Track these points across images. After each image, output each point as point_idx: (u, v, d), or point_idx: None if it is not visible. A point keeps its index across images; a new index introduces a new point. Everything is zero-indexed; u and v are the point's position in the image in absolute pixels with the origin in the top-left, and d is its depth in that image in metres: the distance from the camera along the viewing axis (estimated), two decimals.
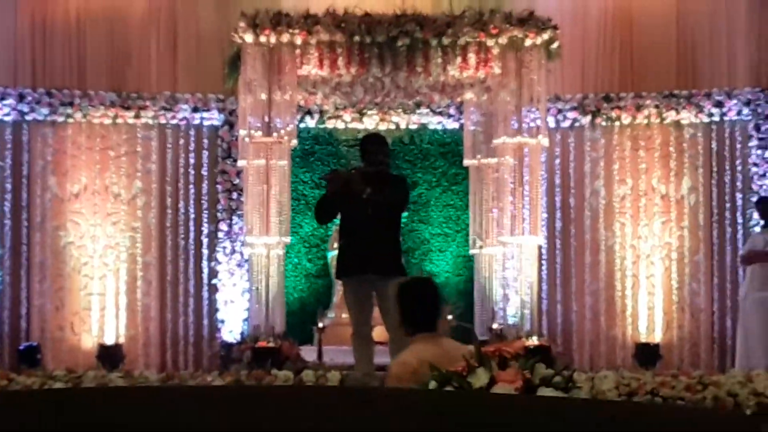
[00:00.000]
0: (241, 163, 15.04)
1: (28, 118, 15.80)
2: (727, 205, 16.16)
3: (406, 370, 7.14)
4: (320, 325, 14.42)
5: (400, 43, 14.32)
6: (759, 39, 16.06)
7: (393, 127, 16.22)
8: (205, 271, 16.22)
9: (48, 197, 15.90)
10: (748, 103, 16.00)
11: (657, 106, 16.32)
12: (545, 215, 15.86)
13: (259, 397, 1.76)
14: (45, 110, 15.74)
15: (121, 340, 15.95)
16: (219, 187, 16.12)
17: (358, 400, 1.73)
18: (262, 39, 14.29)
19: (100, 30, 16.02)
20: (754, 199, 15.30)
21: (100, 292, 15.95)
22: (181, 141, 16.25)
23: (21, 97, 15.74)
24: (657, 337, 16.09)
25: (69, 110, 15.82)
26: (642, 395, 9.97)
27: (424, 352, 7.12)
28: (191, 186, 16.23)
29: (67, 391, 7.70)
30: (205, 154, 16.22)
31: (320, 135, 16.46)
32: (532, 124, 14.62)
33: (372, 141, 11.71)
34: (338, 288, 14.05)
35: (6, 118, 15.66)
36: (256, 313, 14.77)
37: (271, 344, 13.90)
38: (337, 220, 12.43)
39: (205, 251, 16.17)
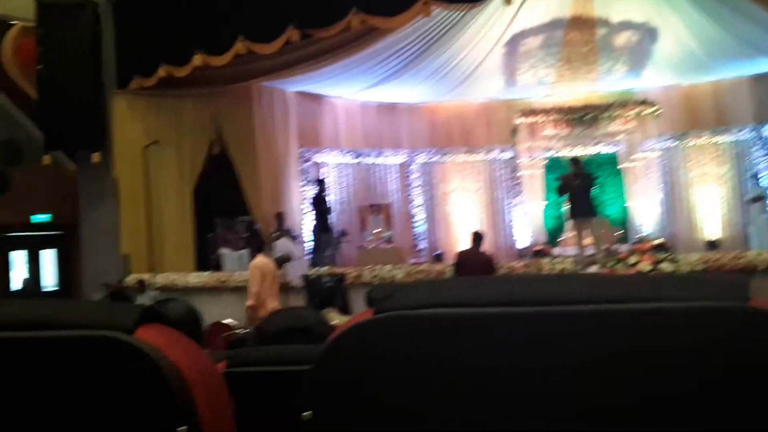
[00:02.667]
0: (522, 172, 14.82)
1: (436, 161, 15.59)
2: None
3: None
4: None
5: (588, 117, 14.23)
6: None
7: (586, 153, 14.58)
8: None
9: (440, 192, 15.61)
10: None
11: None
12: None
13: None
14: (436, 157, 15.61)
15: None
16: (516, 180, 15.13)
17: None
18: (528, 120, 14.33)
19: (458, 122, 15.59)
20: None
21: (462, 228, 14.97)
22: (493, 167, 15.45)
23: (428, 153, 15.52)
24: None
25: (447, 156, 15.63)
26: None
27: None
28: (504, 180, 15.39)
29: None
30: (509, 170, 15.24)
31: (554, 158, 14.92)
32: None
33: (575, 160, 12.16)
34: None
35: (424, 161, 15.55)
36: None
37: None
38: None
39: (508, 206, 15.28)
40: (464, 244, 14.75)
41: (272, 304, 8.27)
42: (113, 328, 0.78)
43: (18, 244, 15.94)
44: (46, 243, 16.34)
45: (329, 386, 0.82)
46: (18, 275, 15.56)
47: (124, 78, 12.89)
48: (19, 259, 15.99)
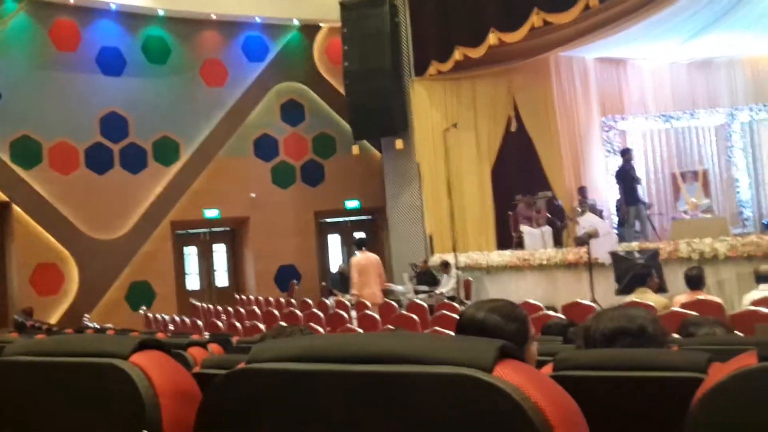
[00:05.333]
0: None
1: (761, 118, 13.94)
2: None
3: None
4: None
5: None
6: None
7: None
8: None
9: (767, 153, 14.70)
10: None
11: None
12: None
13: None
14: (761, 114, 13.90)
15: None
16: None
17: None
18: None
19: None
20: None
21: None
22: None
23: (751, 110, 13.99)
24: None
25: None
26: None
27: None
28: None
29: None
30: None
31: None
32: None
33: None
34: None
35: (747, 120, 14.00)
36: None
37: None
38: None
39: None
40: None
41: (375, 291, 10.12)
42: (472, 365, 0.81)
43: (332, 229, 17.63)
44: (357, 227, 17.89)
45: None
46: (335, 259, 17.17)
47: (422, 65, 13.62)
48: (334, 244, 17.68)
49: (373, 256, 10.75)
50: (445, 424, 0.80)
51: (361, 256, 10.36)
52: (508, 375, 0.80)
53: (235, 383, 0.97)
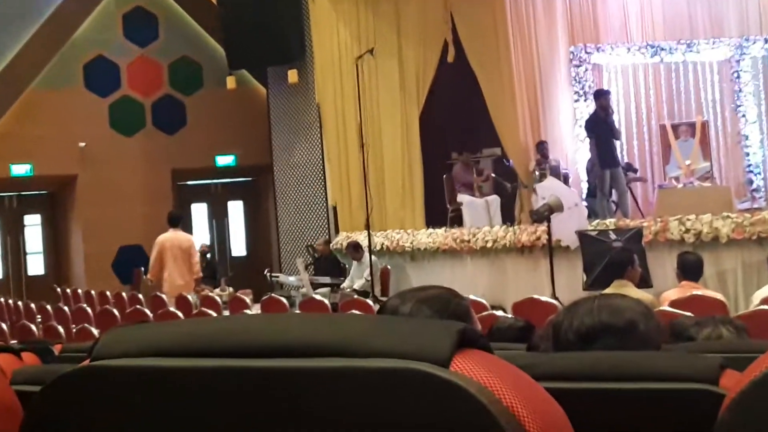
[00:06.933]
0: None
1: None
2: None
3: None
4: None
5: None
6: None
7: None
8: None
9: None
10: None
11: None
12: None
13: None
14: None
15: None
16: None
17: None
18: None
19: None
20: None
21: None
22: None
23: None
24: None
25: None
26: None
27: None
28: None
29: None
30: None
31: None
32: None
33: None
34: None
35: (762, 55, 14.67)
36: None
37: None
38: None
39: None
40: None
41: (179, 281, 10.73)
42: (421, 357, 0.80)
43: (197, 196, 17.42)
44: (232, 192, 17.74)
45: None
46: (200, 236, 16.97)
47: None
48: (199, 216, 17.45)
49: (184, 236, 11.55)
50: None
51: (169, 235, 11.18)
52: (471, 370, 0.79)
53: (74, 389, 0.91)
